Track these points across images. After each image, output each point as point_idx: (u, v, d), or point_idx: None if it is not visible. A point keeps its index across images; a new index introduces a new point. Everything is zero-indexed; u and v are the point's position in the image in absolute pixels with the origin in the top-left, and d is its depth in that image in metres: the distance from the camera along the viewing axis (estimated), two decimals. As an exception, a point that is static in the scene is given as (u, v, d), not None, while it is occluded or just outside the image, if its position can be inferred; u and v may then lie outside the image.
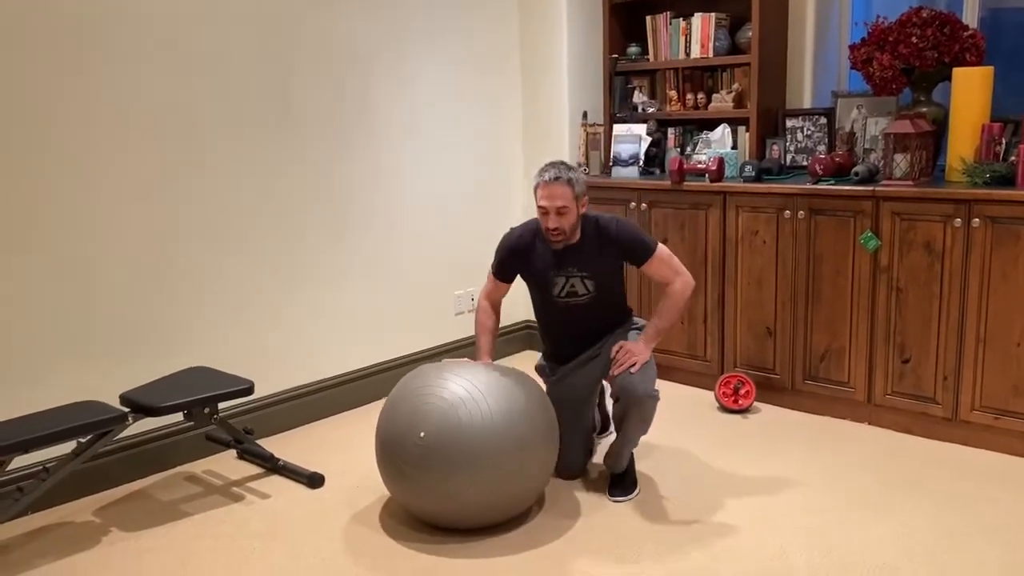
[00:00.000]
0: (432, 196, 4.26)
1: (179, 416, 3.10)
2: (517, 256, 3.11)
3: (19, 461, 2.87)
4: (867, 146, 3.93)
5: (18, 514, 2.81)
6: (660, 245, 3.02)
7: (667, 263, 3.02)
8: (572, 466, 3.17)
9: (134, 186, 3.19)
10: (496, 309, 3.18)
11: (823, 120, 4.07)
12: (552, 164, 2.93)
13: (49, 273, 3.01)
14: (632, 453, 3.12)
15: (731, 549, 2.68)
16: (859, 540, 2.72)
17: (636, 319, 3.26)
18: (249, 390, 3.07)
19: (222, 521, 2.96)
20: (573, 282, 3.04)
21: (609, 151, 4.44)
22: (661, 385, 4.11)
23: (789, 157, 4.14)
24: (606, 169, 4.46)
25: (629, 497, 3.04)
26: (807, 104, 4.23)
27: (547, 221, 2.92)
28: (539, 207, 2.93)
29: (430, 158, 4.23)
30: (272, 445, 3.48)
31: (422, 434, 2.61)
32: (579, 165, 4.48)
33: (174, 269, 3.34)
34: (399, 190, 4.10)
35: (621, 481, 3.09)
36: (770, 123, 4.17)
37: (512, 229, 3.16)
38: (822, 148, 4.07)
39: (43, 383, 3.02)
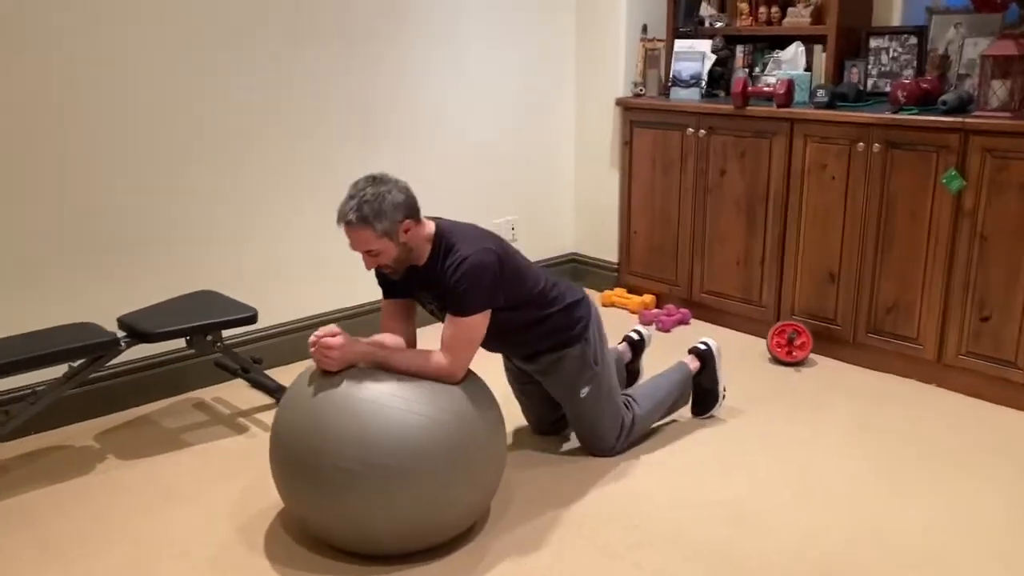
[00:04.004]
0: (467, 114, 3.94)
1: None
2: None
3: (9, 383, 2.76)
4: (962, 71, 3.44)
5: (4, 438, 2.71)
6: (473, 317, 2.28)
7: (457, 335, 2.27)
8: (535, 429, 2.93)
9: (138, 100, 2.98)
10: (403, 338, 2.42)
11: (913, 40, 3.58)
12: (349, 195, 2.21)
13: (54, 190, 2.85)
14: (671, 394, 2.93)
15: (759, 521, 2.39)
16: (911, 520, 2.40)
17: (573, 346, 2.58)
18: (252, 318, 2.89)
19: (221, 453, 2.81)
20: (432, 308, 2.45)
21: (669, 70, 4.03)
22: (710, 330, 3.83)
23: (870, 82, 3.68)
24: (664, 90, 4.07)
25: (711, 413, 3.03)
26: (896, 21, 3.73)
27: (363, 262, 2.32)
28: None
29: (465, 71, 3.89)
30: (284, 376, 3.30)
31: None
32: (635, 85, 4.09)
33: (184, 187, 3.14)
34: (429, 106, 3.79)
35: (698, 401, 3.03)
36: (851, 42, 3.70)
37: None
38: (909, 72, 3.59)
39: (47, 302, 2.89)
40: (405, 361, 2.22)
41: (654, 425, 2.91)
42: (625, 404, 2.76)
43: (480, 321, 2.30)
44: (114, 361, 2.97)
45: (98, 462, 2.77)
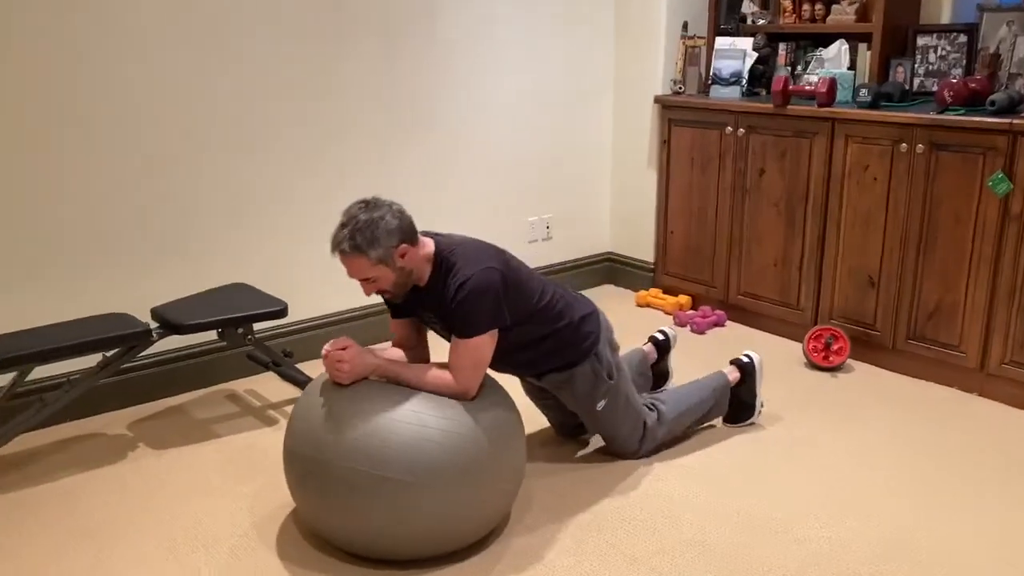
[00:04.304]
0: (504, 109, 3.92)
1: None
2: None
3: (45, 371, 2.82)
4: (1014, 70, 3.32)
5: (38, 425, 2.77)
6: (479, 338, 2.21)
7: (463, 357, 2.21)
8: (559, 433, 2.90)
9: (175, 96, 3.01)
10: (414, 353, 2.43)
11: (963, 38, 3.47)
12: (342, 223, 2.16)
13: (92, 185, 2.90)
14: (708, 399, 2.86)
15: (785, 530, 2.34)
16: (942, 534, 2.33)
17: (582, 364, 2.50)
18: (282, 312, 2.90)
19: (248, 445, 2.84)
20: (435, 328, 2.42)
21: (709, 67, 3.97)
22: (745, 332, 3.76)
23: (917, 81, 3.58)
24: (704, 88, 4.01)
25: (743, 424, 2.94)
26: (945, 19, 3.63)
27: (362, 289, 2.28)
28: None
29: (503, 67, 3.87)
30: (314, 369, 3.33)
31: None
32: (674, 83, 4.04)
33: (219, 182, 3.17)
34: (466, 100, 3.78)
35: (733, 411, 2.95)
36: (898, 40, 3.60)
37: None
38: (958, 72, 3.48)
39: (85, 292, 2.95)
40: (416, 378, 2.19)
41: (686, 435, 2.86)
42: (649, 406, 2.72)
43: (486, 342, 2.24)
44: (150, 352, 3.02)
45: (130, 450, 2.81)
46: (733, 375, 2.93)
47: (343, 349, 2.16)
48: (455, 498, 2.09)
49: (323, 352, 2.19)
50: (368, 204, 2.17)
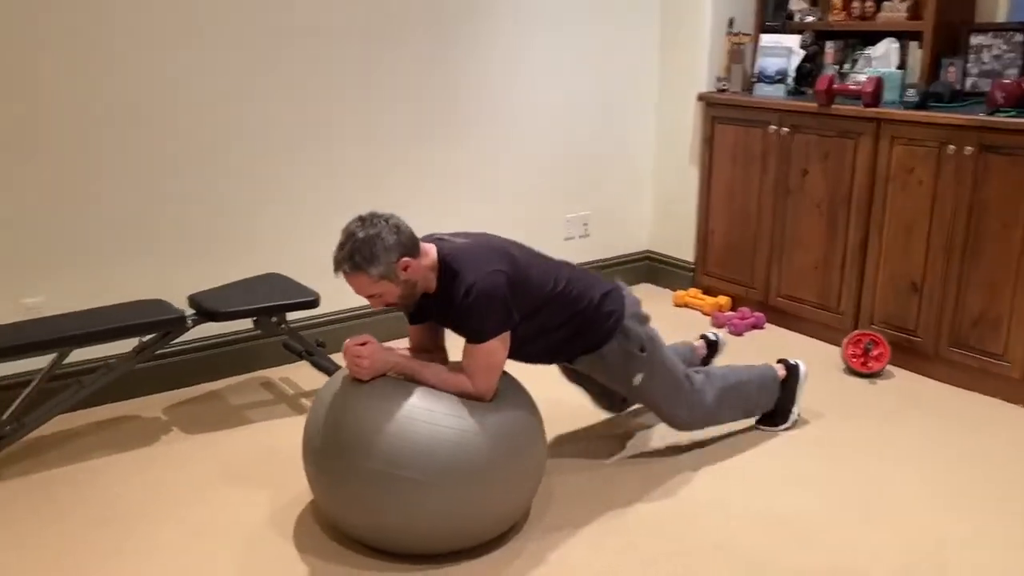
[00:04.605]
0: (546, 107, 3.90)
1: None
2: None
3: (83, 354, 2.89)
4: (1071, 71, 3.21)
5: (75, 407, 2.84)
6: (490, 342, 2.19)
7: (476, 362, 2.20)
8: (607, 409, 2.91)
9: (215, 93, 3.07)
10: (431, 357, 2.39)
11: (1020, 37, 3.36)
12: (341, 242, 2.15)
13: (136, 177, 2.97)
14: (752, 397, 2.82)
15: (810, 536, 2.29)
16: (975, 549, 2.26)
17: (608, 343, 2.46)
18: (314, 302, 2.94)
19: (277, 432, 2.88)
20: (454, 329, 2.33)
21: (754, 65, 3.90)
22: (784, 336, 3.69)
23: (969, 81, 3.46)
24: (749, 86, 3.94)
25: (774, 428, 2.89)
26: (1002, 17, 3.50)
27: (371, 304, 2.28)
28: None
29: (547, 65, 3.85)
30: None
31: None
32: (718, 80, 3.98)
33: (257, 175, 3.22)
34: (508, 97, 3.78)
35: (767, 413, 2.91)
36: (951, 39, 3.50)
37: None
38: (1013, 72, 3.36)
39: (123, 278, 3.02)
40: (434, 378, 2.19)
41: (733, 418, 2.81)
42: (695, 371, 2.69)
43: (498, 345, 2.21)
44: (188, 338, 3.08)
45: (163, 434, 2.88)
46: (780, 371, 2.89)
47: (363, 344, 2.18)
48: (467, 498, 2.09)
49: (344, 346, 2.21)
50: (365, 221, 2.16)
